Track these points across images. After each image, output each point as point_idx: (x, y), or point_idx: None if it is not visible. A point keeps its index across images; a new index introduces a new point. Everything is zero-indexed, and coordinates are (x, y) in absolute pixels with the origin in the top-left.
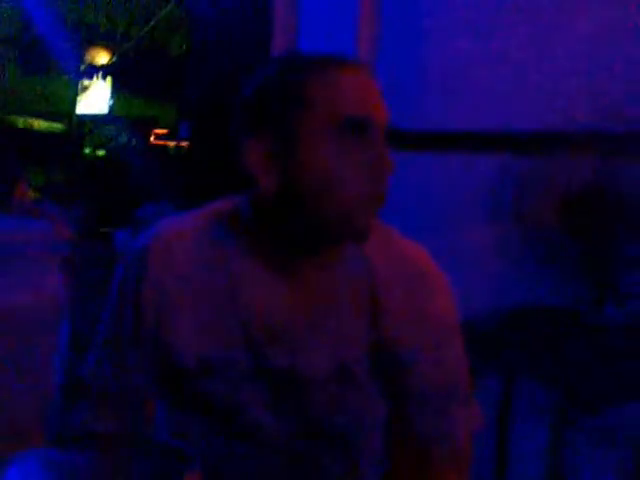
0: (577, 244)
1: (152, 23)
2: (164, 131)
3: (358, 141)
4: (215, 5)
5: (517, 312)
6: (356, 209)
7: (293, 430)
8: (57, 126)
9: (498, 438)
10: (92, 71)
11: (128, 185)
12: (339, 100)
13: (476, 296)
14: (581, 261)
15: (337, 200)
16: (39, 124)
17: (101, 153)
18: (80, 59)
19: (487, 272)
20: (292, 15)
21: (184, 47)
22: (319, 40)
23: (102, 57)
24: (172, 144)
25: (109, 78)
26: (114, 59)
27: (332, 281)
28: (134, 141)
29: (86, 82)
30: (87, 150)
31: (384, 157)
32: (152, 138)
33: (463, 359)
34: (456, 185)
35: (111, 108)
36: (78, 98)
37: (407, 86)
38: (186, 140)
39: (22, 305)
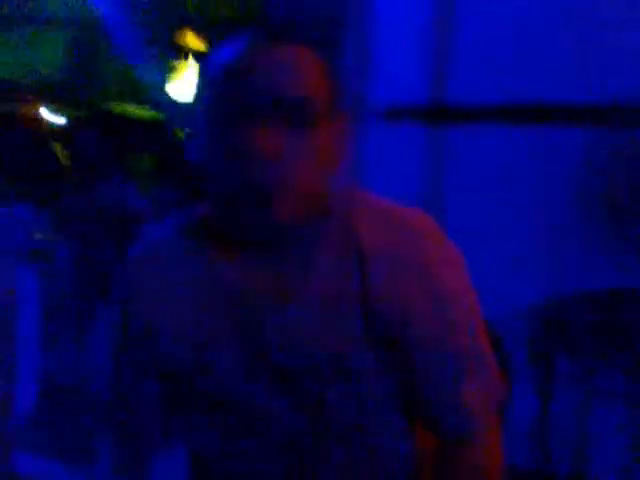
0: None
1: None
2: None
3: (233, 127)
4: None
5: (605, 296)
6: (235, 201)
7: (296, 421)
8: (152, 112)
9: (577, 420)
10: (185, 55)
11: None
12: (217, 77)
13: (560, 280)
14: None
15: (220, 193)
16: (135, 111)
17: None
18: (174, 44)
19: (572, 254)
20: None
21: None
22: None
23: (194, 42)
24: None
25: (202, 63)
26: (209, 43)
27: (312, 263)
28: None
29: (179, 67)
30: (180, 135)
31: (255, 142)
32: None
33: (472, 326)
34: (541, 160)
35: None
36: (171, 84)
37: (484, 59)
38: None
39: None
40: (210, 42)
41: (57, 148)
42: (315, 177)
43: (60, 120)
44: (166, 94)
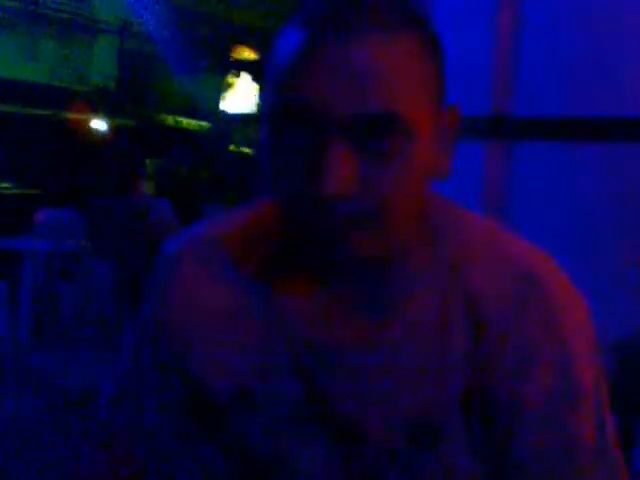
0: None
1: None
2: None
3: (298, 131)
4: None
5: None
6: (295, 211)
7: None
8: (204, 124)
9: None
10: (238, 69)
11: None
12: (277, 81)
13: (632, 310)
14: None
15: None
16: (188, 122)
17: (247, 151)
18: (227, 57)
19: (628, 288)
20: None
21: None
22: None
23: (248, 55)
24: None
25: (255, 76)
26: (259, 56)
27: (402, 306)
28: None
29: (232, 80)
30: (232, 147)
31: (326, 150)
32: None
33: (598, 412)
34: (613, 178)
35: (259, 107)
36: (224, 96)
37: (550, 71)
38: None
39: None
40: (262, 54)
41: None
42: (405, 205)
43: (104, 128)
44: (220, 108)
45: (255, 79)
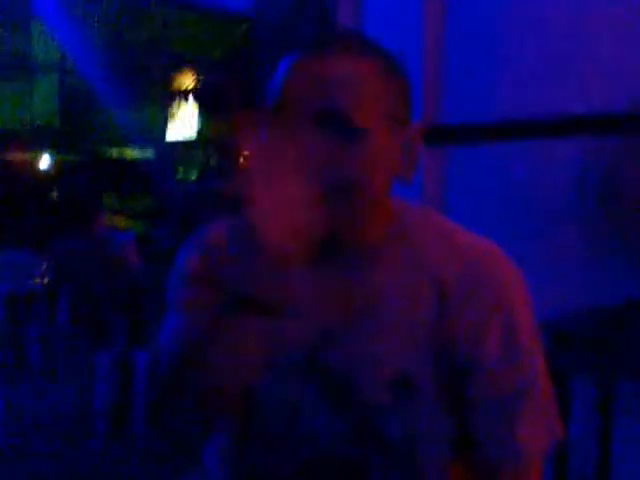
0: None
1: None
2: None
3: (284, 121)
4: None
5: (614, 311)
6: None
7: (346, 437)
8: (149, 154)
9: (599, 444)
10: (179, 97)
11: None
12: (272, 90)
13: (567, 296)
14: None
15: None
16: (131, 153)
17: (193, 177)
18: (168, 87)
19: (576, 268)
20: (357, 17)
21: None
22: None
23: (189, 84)
24: None
25: (196, 103)
26: (200, 84)
27: (380, 276)
28: (224, 163)
29: (174, 109)
30: (179, 175)
31: (305, 150)
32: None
33: (538, 367)
34: (537, 175)
35: (199, 133)
36: (167, 125)
37: (477, 77)
38: None
39: None
40: (204, 82)
41: (52, 194)
42: (364, 188)
43: (50, 166)
44: (163, 136)
45: (196, 106)
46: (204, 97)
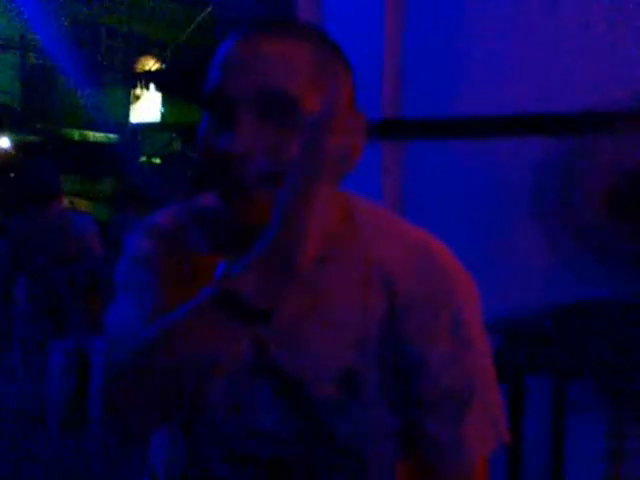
0: (628, 233)
1: (192, 27)
2: None
3: (214, 114)
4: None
5: (569, 309)
6: (213, 169)
7: (294, 436)
8: (112, 137)
9: (552, 444)
10: (142, 80)
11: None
12: (210, 72)
13: (523, 293)
14: (636, 251)
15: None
16: (94, 135)
17: (157, 161)
18: (131, 69)
19: (534, 266)
20: (316, 9)
21: None
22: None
23: (152, 66)
24: None
25: (159, 87)
26: (163, 67)
27: (329, 275)
28: (186, 147)
29: (137, 91)
30: (143, 159)
31: (238, 118)
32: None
33: (485, 366)
34: (496, 172)
35: (163, 116)
36: (131, 108)
37: (438, 72)
38: None
39: None
40: (168, 65)
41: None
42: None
43: (9, 147)
44: (126, 119)
45: (158, 89)
46: (168, 81)
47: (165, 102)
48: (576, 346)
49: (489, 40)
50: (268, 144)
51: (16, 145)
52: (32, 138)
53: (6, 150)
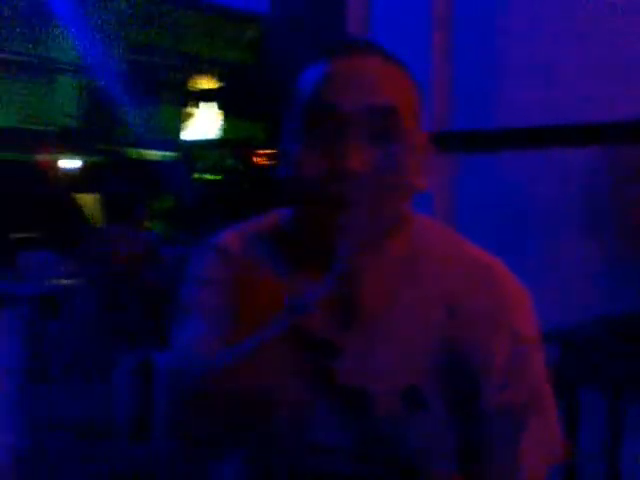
0: None
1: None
2: (269, 151)
3: (322, 131)
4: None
5: (623, 321)
6: (321, 187)
7: (356, 452)
8: (166, 154)
9: (607, 457)
10: (197, 98)
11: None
12: (306, 90)
13: (578, 304)
14: None
15: (307, 206)
16: (150, 154)
17: (210, 177)
18: (184, 87)
19: (589, 277)
20: (365, 23)
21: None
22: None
23: (205, 84)
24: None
25: (213, 103)
26: (218, 84)
27: (392, 290)
28: (239, 163)
29: (191, 109)
30: (195, 175)
31: (345, 148)
32: (255, 159)
33: (542, 382)
34: (546, 183)
35: (217, 132)
36: (184, 125)
37: (487, 84)
38: None
39: None
40: (221, 84)
41: (77, 195)
42: (398, 195)
43: (76, 165)
44: (180, 137)
45: (218, 107)
46: (225, 99)
47: (218, 119)
48: (632, 357)
49: (540, 48)
50: (377, 160)
51: (86, 166)
52: (95, 159)
53: (70, 171)
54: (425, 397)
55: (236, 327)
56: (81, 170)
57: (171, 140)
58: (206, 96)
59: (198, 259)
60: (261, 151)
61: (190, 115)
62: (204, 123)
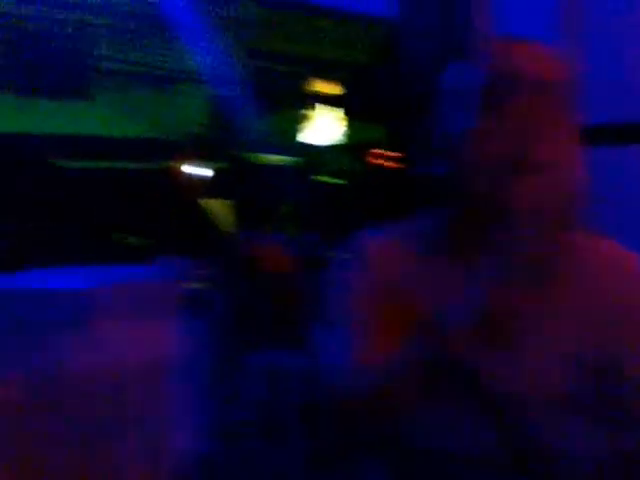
0: None
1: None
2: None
3: (510, 105)
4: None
5: None
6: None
7: (508, 452)
8: (288, 159)
9: None
10: (318, 101)
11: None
12: (481, 72)
13: None
14: None
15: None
16: (271, 159)
17: (334, 181)
18: (304, 91)
19: None
20: (494, 23)
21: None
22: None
23: (327, 87)
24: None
25: (336, 107)
26: (339, 88)
27: (553, 298)
28: (362, 166)
29: (313, 112)
30: (319, 178)
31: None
32: (373, 159)
33: None
34: None
35: (340, 136)
36: (306, 129)
37: (621, 76)
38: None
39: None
40: (343, 87)
41: (206, 201)
42: (568, 194)
43: (206, 173)
44: (302, 140)
45: (343, 111)
46: (350, 103)
47: (341, 122)
48: None
49: None
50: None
51: (217, 172)
52: (221, 165)
53: (205, 177)
54: (577, 402)
55: (383, 338)
56: (215, 176)
57: (293, 145)
58: (328, 99)
59: (341, 266)
60: (385, 153)
61: (312, 119)
62: (326, 126)
